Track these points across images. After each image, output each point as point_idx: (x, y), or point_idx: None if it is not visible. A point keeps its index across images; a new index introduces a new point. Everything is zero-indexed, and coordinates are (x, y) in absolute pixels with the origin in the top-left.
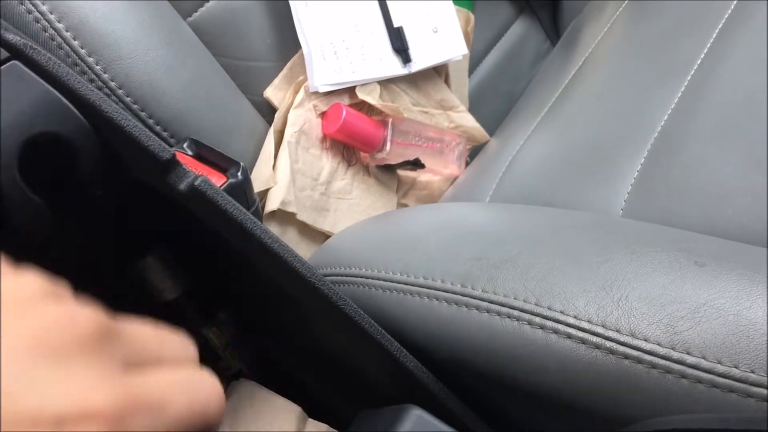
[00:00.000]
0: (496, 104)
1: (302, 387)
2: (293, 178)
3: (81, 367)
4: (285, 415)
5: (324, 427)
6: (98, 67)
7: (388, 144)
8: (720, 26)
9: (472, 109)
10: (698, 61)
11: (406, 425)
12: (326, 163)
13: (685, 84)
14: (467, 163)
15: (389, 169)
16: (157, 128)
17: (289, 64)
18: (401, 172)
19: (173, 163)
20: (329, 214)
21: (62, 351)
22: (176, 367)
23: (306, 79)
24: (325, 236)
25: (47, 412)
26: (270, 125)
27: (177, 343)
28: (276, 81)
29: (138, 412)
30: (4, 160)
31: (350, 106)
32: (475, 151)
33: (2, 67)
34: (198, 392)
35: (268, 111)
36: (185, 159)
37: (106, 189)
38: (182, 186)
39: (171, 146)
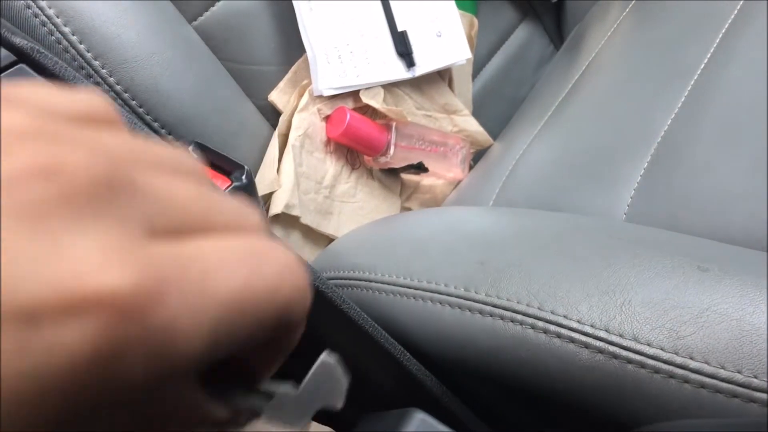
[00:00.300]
0: (500, 108)
1: None
2: (297, 181)
3: (73, 235)
4: None
5: (327, 429)
6: (104, 70)
7: (392, 148)
8: (723, 30)
9: (476, 113)
10: (701, 66)
11: (409, 428)
12: (330, 166)
13: (689, 88)
14: (471, 167)
15: (393, 172)
16: (162, 132)
17: (293, 68)
18: (405, 176)
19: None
20: (333, 218)
21: (42, 213)
22: (230, 234)
23: (310, 83)
24: (328, 240)
25: (12, 303)
26: (274, 129)
27: (233, 208)
28: (280, 85)
29: (168, 292)
30: None
31: (354, 109)
32: (478, 156)
33: (9, 70)
34: (262, 266)
35: (272, 115)
36: None
37: None
38: None
39: None
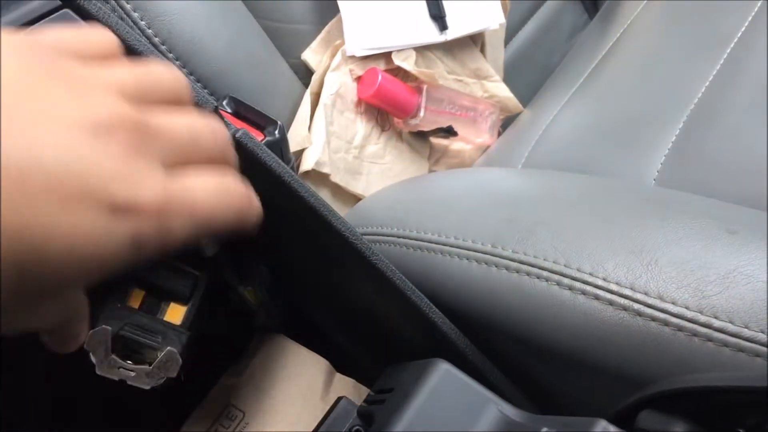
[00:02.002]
0: (531, 75)
1: (331, 343)
2: (328, 140)
3: (131, 160)
4: (314, 369)
5: (351, 381)
6: (143, 22)
7: (422, 110)
8: (761, 0)
9: (507, 80)
10: (738, 35)
11: (433, 378)
12: (360, 127)
13: (724, 57)
14: (499, 134)
15: (422, 135)
16: (198, 85)
17: (326, 28)
18: (434, 140)
19: (215, 114)
20: (362, 178)
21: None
22: (212, 170)
23: (343, 43)
24: (356, 199)
25: (102, 194)
26: (306, 88)
27: (214, 142)
28: (313, 44)
29: (172, 210)
30: None
31: (386, 71)
32: (507, 122)
33: (54, 14)
34: (230, 198)
35: (304, 74)
36: (224, 116)
37: None
38: None
39: None
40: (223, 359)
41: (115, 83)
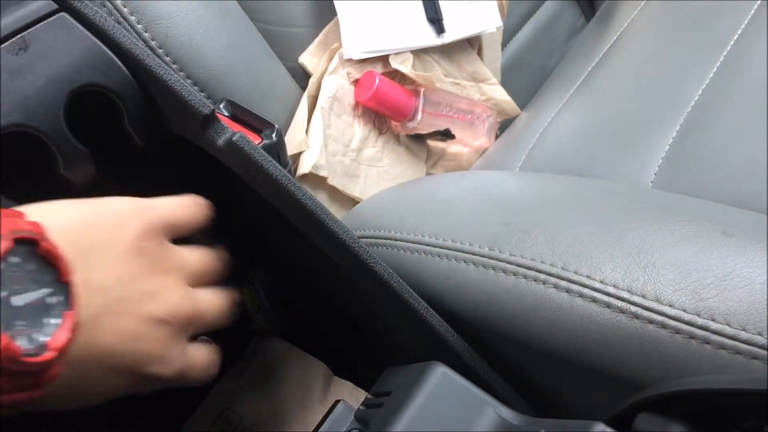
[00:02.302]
0: (528, 78)
1: (330, 347)
2: (325, 143)
3: (171, 342)
4: (312, 372)
5: (349, 384)
6: (140, 26)
7: (419, 113)
8: (757, 3)
9: (504, 83)
10: (735, 37)
11: (431, 381)
12: (358, 130)
13: (721, 59)
14: (497, 137)
15: (419, 138)
16: (195, 89)
17: (324, 31)
18: (431, 143)
19: (212, 118)
20: (359, 181)
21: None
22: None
23: (340, 46)
24: (353, 202)
25: (141, 370)
26: (304, 91)
27: (222, 320)
28: (311, 47)
29: (172, 378)
30: (52, 108)
31: (383, 74)
32: (504, 125)
33: (51, 18)
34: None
35: (302, 77)
36: (221, 119)
37: (148, 143)
38: (220, 141)
39: None
40: (221, 363)
41: (186, 269)
